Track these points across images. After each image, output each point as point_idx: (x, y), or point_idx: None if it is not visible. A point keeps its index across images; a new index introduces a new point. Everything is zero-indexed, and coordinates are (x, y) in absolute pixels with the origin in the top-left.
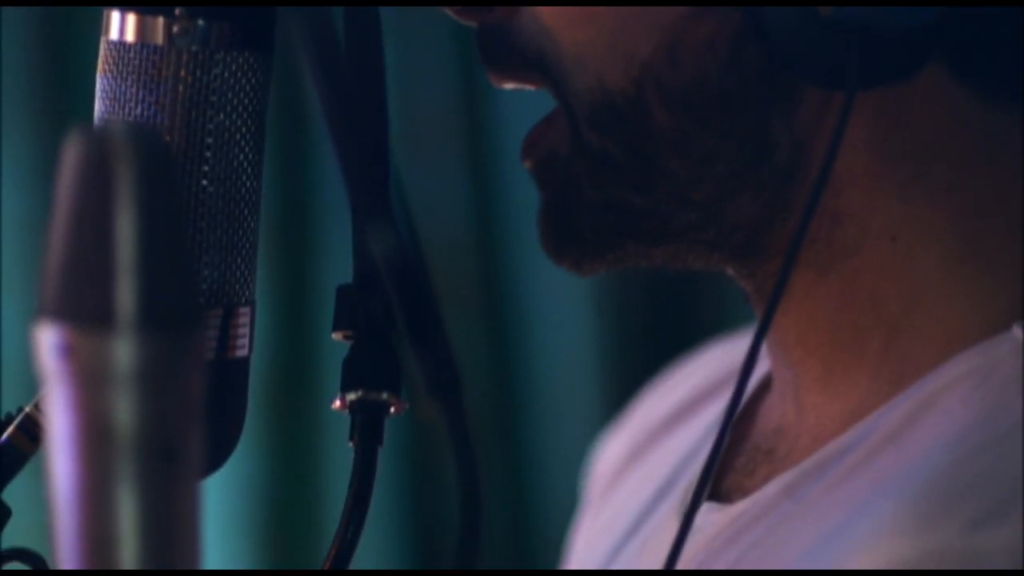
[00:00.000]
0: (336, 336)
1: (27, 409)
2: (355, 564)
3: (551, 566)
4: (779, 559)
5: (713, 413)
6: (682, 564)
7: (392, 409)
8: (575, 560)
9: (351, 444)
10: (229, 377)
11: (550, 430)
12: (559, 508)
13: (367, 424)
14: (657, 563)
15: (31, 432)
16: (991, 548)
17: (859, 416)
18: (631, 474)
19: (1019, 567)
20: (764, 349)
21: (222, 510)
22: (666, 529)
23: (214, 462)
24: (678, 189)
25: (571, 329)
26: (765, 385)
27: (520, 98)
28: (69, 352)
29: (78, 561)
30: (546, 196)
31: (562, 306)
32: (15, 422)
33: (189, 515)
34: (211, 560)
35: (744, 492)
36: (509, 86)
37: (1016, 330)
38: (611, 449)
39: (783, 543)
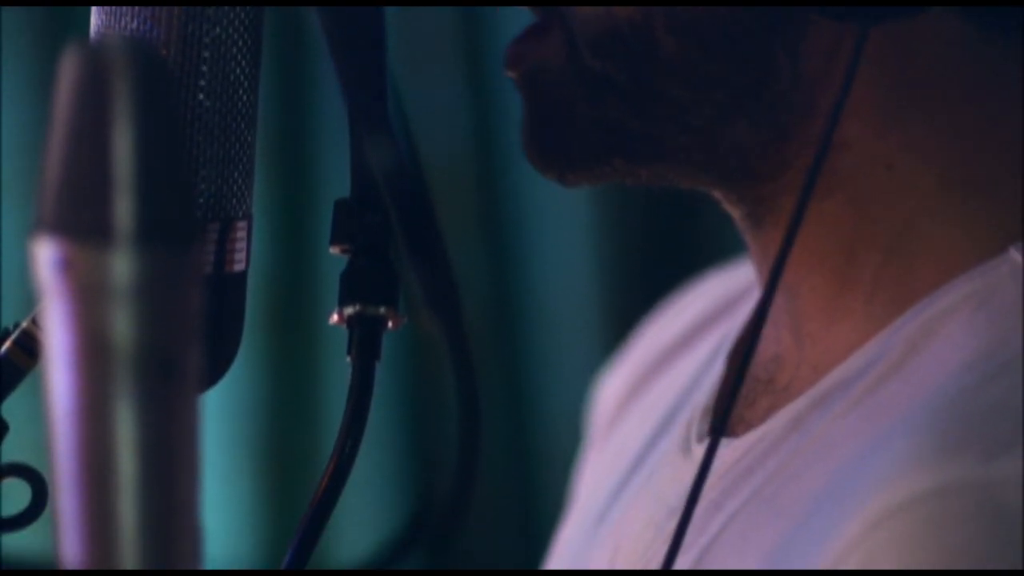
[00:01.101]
0: (334, 250)
1: (24, 324)
2: (353, 480)
3: (550, 481)
4: (793, 497)
5: (711, 344)
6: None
7: (390, 323)
8: (581, 500)
9: (349, 359)
10: (227, 291)
11: (549, 344)
12: (558, 423)
13: (365, 338)
14: (663, 502)
15: (28, 347)
16: (1007, 478)
17: (858, 343)
18: (633, 408)
19: None
20: (757, 277)
21: (220, 425)
22: (671, 466)
23: (212, 377)
24: (676, 113)
25: (571, 243)
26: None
27: (521, 11)
28: (67, 266)
29: (75, 475)
30: (532, 108)
31: (562, 220)
32: (12, 337)
33: (188, 430)
34: (209, 476)
35: (747, 424)
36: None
37: (1014, 253)
38: (612, 384)
39: (796, 479)
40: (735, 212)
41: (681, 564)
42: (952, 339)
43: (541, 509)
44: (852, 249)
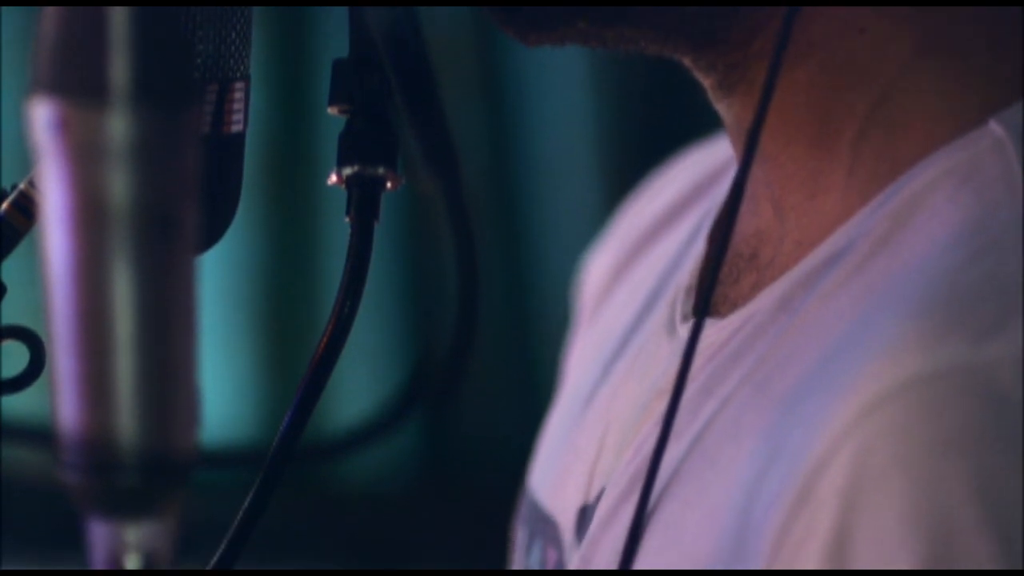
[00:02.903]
0: (332, 110)
1: (21, 185)
2: (351, 341)
3: (548, 340)
4: (784, 382)
5: (692, 220)
6: (686, 385)
7: (388, 184)
8: (569, 384)
9: (347, 219)
10: (225, 152)
11: (547, 205)
12: (557, 288)
13: (363, 199)
14: (650, 383)
15: (25, 208)
16: (996, 361)
17: (842, 218)
18: (619, 287)
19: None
20: (733, 149)
21: (219, 286)
22: (656, 346)
23: (210, 237)
24: None
25: (571, 107)
26: (735, 185)
27: None
28: (63, 126)
29: (73, 337)
30: None
31: (562, 83)
32: (9, 198)
33: (185, 290)
34: (208, 337)
35: (732, 303)
36: None
37: (994, 125)
38: (598, 263)
39: (786, 363)
40: (706, 81)
41: (674, 451)
42: (937, 215)
43: (540, 374)
44: (828, 118)
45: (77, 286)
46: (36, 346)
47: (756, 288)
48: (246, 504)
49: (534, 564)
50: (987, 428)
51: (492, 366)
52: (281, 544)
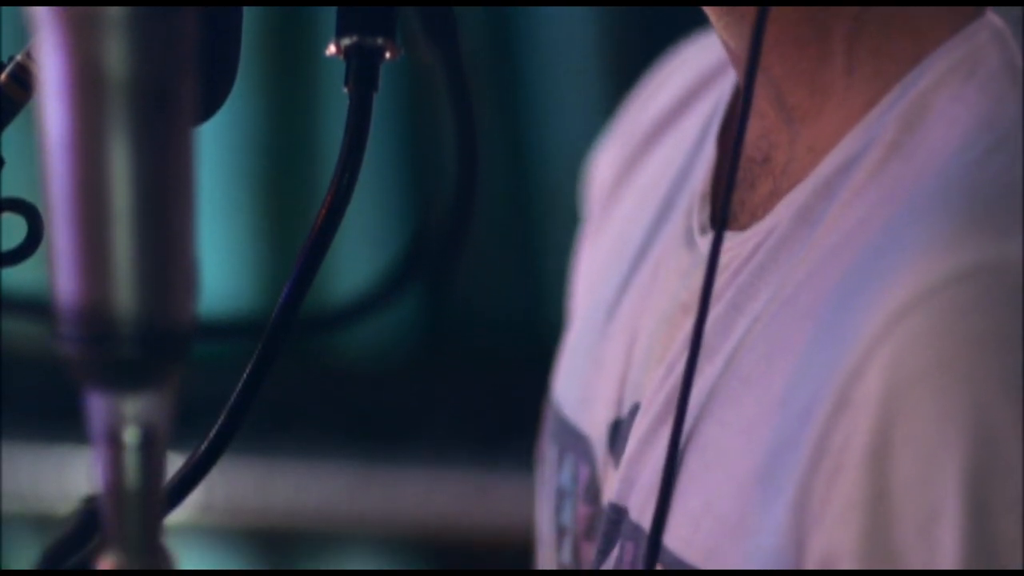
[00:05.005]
0: None
1: (18, 57)
2: (350, 213)
3: (547, 214)
4: (814, 297)
5: (699, 118)
6: (711, 301)
7: (387, 54)
8: (585, 291)
9: (346, 90)
10: (223, 22)
11: (549, 80)
12: (555, 158)
13: (362, 69)
14: (674, 297)
15: (23, 80)
16: (1020, 256)
17: (849, 121)
18: (627, 187)
19: None
20: (721, 44)
21: (218, 158)
22: (676, 259)
23: (208, 109)
24: None
25: None
26: (738, 91)
27: None
28: None
29: (71, 209)
30: None
31: None
32: (6, 70)
33: (183, 162)
34: (206, 210)
35: (750, 211)
36: None
37: (991, 16)
38: (603, 162)
39: (814, 277)
40: None
41: (708, 371)
42: (946, 115)
43: (538, 246)
44: (817, 17)
45: (75, 158)
46: (34, 218)
47: (774, 196)
48: (245, 376)
49: (566, 480)
50: (1017, 324)
51: (490, 238)
52: (279, 416)
